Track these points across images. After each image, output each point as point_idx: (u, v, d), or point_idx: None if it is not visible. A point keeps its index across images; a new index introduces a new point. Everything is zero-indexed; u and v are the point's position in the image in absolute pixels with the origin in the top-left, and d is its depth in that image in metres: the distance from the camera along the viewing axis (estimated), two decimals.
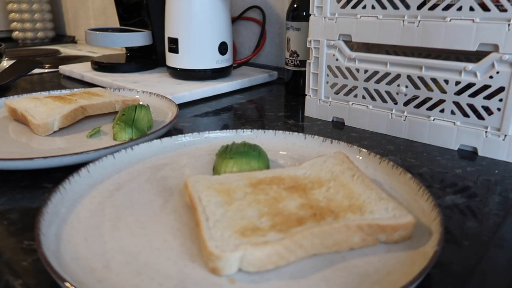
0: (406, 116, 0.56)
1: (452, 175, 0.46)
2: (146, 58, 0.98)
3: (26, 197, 0.41)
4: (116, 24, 1.07)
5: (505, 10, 0.46)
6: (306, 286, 0.28)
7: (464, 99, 0.51)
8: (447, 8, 0.49)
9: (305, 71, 0.66)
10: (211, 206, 0.33)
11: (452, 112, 0.52)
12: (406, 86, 0.55)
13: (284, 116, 0.68)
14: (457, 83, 0.51)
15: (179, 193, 0.40)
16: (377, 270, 0.29)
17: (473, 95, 0.50)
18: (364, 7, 0.56)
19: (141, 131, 0.53)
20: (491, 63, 0.48)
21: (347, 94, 0.62)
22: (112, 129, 0.54)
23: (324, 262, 0.30)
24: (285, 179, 0.38)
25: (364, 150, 0.46)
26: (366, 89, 0.59)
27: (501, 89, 0.48)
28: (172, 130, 0.60)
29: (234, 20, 1.00)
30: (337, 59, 0.61)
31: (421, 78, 0.54)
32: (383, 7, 0.54)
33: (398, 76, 0.55)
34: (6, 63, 1.04)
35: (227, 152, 0.43)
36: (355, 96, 0.61)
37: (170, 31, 0.83)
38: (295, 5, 0.76)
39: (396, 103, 0.57)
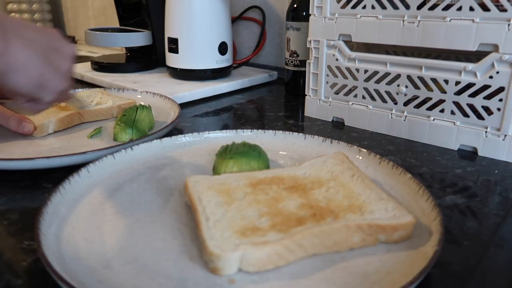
0: (406, 116, 0.56)
1: (452, 175, 0.46)
2: (146, 58, 0.98)
3: (26, 197, 0.41)
4: (116, 24, 1.07)
5: (505, 10, 0.46)
6: (306, 286, 0.28)
7: (464, 99, 0.51)
8: (447, 8, 0.49)
9: (305, 71, 0.66)
10: (211, 206, 0.33)
11: (452, 112, 0.52)
12: (406, 86, 0.55)
13: (284, 116, 0.68)
14: (457, 83, 0.51)
15: (179, 193, 0.40)
16: (377, 270, 0.29)
17: (473, 95, 0.50)
18: (364, 7, 0.56)
19: (142, 132, 0.53)
20: (491, 63, 0.48)
21: (347, 94, 0.62)
22: (113, 129, 0.54)
23: (324, 262, 0.30)
24: (285, 179, 0.38)
25: (364, 150, 0.46)
26: (366, 89, 0.59)
27: (501, 89, 0.48)
28: (173, 130, 0.60)
29: (234, 20, 1.00)
30: (337, 59, 0.61)
31: (421, 78, 0.54)
32: (383, 7, 0.54)
33: (398, 76, 0.55)
34: None
35: (227, 152, 0.43)
36: (355, 96, 0.61)
37: (170, 31, 0.83)
38: (295, 5, 0.76)
39: (396, 103, 0.57)
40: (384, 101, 0.58)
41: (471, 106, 0.51)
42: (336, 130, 0.61)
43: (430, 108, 0.54)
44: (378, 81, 0.58)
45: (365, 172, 0.41)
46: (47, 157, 0.43)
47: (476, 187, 0.43)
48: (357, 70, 0.59)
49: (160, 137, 0.49)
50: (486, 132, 0.50)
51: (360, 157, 0.45)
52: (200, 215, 0.32)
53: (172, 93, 0.73)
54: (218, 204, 0.34)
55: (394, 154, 0.52)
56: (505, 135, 0.49)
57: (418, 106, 0.55)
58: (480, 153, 0.51)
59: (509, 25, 0.45)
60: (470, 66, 0.49)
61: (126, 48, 1.05)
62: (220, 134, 0.52)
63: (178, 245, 0.32)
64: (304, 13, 0.75)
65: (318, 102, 0.65)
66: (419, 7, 0.51)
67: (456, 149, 0.53)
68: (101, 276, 0.28)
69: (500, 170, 0.47)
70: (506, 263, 0.31)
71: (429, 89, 0.53)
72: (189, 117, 0.67)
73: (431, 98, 0.53)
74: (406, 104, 0.56)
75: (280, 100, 0.78)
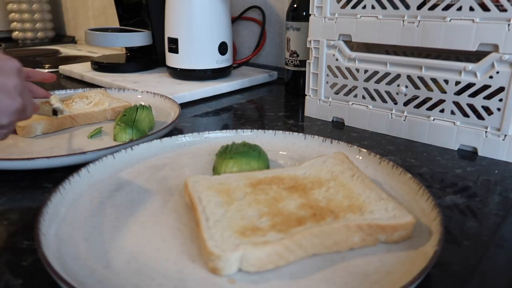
0: (406, 116, 0.56)
1: (452, 175, 0.46)
2: (146, 58, 0.98)
3: (26, 197, 0.41)
4: (116, 24, 1.07)
5: (505, 10, 0.46)
6: (306, 286, 0.28)
7: (464, 99, 0.51)
8: (447, 8, 0.49)
9: (305, 71, 0.66)
10: (211, 206, 0.33)
11: (452, 112, 0.52)
12: (406, 86, 0.55)
13: (284, 116, 0.68)
14: (457, 83, 0.51)
15: (179, 193, 0.40)
16: (377, 270, 0.29)
17: (473, 95, 0.50)
18: (364, 7, 0.56)
19: (142, 132, 0.53)
20: (491, 63, 0.48)
21: (347, 94, 0.62)
22: (113, 129, 0.54)
23: (324, 262, 0.30)
24: (285, 179, 0.38)
25: (364, 150, 0.46)
26: (366, 89, 0.59)
27: (501, 89, 0.48)
28: (173, 130, 0.60)
29: (234, 20, 1.00)
30: (337, 59, 0.61)
31: (421, 78, 0.54)
32: (383, 7, 0.54)
33: (398, 76, 0.55)
34: None
35: (227, 152, 0.43)
36: (355, 96, 0.61)
37: (170, 31, 0.83)
38: (295, 5, 0.76)
39: (396, 103, 0.57)
40: (384, 101, 0.58)
41: (471, 106, 0.51)
42: (336, 130, 0.61)
43: (430, 108, 0.54)
44: (378, 81, 0.58)
45: (365, 172, 0.41)
46: (47, 157, 0.43)
47: (476, 187, 0.43)
48: (357, 70, 0.59)
49: (160, 137, 0.49)
50: (486, 132, 0.50)
51: (360, 157, 0.45)
52: (200, 215, 0.32)
53: (172, 93, 0.73)
54: (218, 204, 0.34)
55: (394, 154, 0.52)
56: (505, 135, 0.49)
57: (418, 106, 0.55)
58: (480, 153, 0.51)
59: (509, 25, 0.45)
60: (470, 66, 0.49)
61: (126, 48, 1.05)
62: (220, 134, 0.52)
63: (178, 245, 0.32)
64: (304, 13, 0.75)
65: (318, 102, 0.65)
66: (419, 7, 0.51)
67: (456, 149, 0.53)
68: (101, 276, 0.28)
69: (500, 170, 0.47)
70: (506, 263, 0.31)
71: (429, 89, 0.53)
72: (189, 117, 0.67)
73: (431, 98, 0.53)
74: (406, 104, 0.56)
75: (280, 100, 0.78)
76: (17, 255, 0.32)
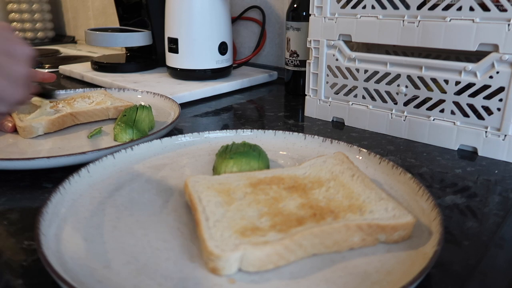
0: (406, 116, 0.56)
1: (452, 175, 0.46)
2: (146, 58, 0.98)
3: (26, 197, 0.41)
4: (116, 24, 1.07)
5: (505, 10, 0.46)
6: (306, 286, 0.28)
7: (464, 99, 0.51)
8: (447, 8, 0.49)
9: (305, 71, 0.66)
10: (211, 206, 0.33)
11: (452, 112, 0.52)
12: (406, 86, 0.55)
13: (284, 116, 0.68)
14: (457, 83, 0.51)
15: (179, 193, 0.40)
16: (377, 270, 0.29)
17: (473, 95, 0.50)
18: (364, 7, 0.56)
19: (142, 132, 0.53)
20: (491, 63, 0.48)
21: (347, 94, 0.62)
22: (113, 130, 0.54)
23: (324, 262, 0.30)
24: (285, 179, 0.38)
25: (364, 150, 0.46)
26: (366, 89, 0.59)
27: (501, 89, 0.48)
28: (173, 130, 0.60)
29: (234, 20, 1.00)
30: (337, 59, 0.61)
31: (421, 78, 0.54)
32: (383, 7, 0.54)
33: (398, 76, 0.55)
34: None
35: (227, 152, 0.43)
36: (355, 96, 0.61)
37: (170, 31, 0.83)
38: (295, 5, 0.76)
39: (396, 103, 0.57)
40: (384, 101, 0.58)
41: (471, 106, 0.51)
42: (336, 130, 0.61)
43: (430, 108, 0.54)
44: (378, 81, 0.58)
45: (365, 172, 0.41)
46: (47, 157, 0.43)
47: (476, 187, 0.43)
48: (357, 70, 0.59)
49: (160, 137, 0.49)
50: (486, 132, 0.50)
51: (360, 157, 0.45)
52: (200, 215, 0.32)
53: (172, 93, 0.73)
54: (218, 204, 0.34)
55: (394, 154, 0.52)
56: (505, 135, 0.49)
57: (418, 106, 0.55)
58: (480, 153, 0.51)
59: (509, 25, 0.45)
60: (470, 66, 0.49)
61: (126, 48, 1.05)
62: (220, 134, 0.52)
63: (178, 245, 0.32)
64: (304, 13, 0.75)
65: (318, 102, 0.65)
66: (419, 7, 0.51)
67: (456, 149, 0.53)
68: (101, 276, 0.28)
69: (500, 170, 0.47)
70: (506, 263, 0.31)
71: (429, 89, 0.53)
72: (189, 117, 0.67)
73: (431, 98, 0.53)
74: (406, 104, 0.56)
75: (280, 100, 0.78)
76: (17, 255, 0.32)
